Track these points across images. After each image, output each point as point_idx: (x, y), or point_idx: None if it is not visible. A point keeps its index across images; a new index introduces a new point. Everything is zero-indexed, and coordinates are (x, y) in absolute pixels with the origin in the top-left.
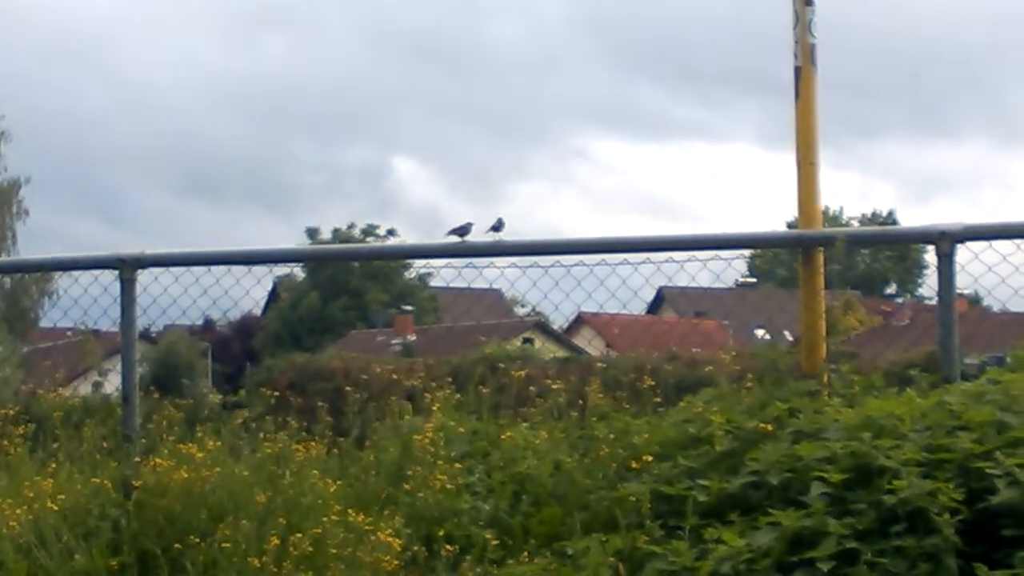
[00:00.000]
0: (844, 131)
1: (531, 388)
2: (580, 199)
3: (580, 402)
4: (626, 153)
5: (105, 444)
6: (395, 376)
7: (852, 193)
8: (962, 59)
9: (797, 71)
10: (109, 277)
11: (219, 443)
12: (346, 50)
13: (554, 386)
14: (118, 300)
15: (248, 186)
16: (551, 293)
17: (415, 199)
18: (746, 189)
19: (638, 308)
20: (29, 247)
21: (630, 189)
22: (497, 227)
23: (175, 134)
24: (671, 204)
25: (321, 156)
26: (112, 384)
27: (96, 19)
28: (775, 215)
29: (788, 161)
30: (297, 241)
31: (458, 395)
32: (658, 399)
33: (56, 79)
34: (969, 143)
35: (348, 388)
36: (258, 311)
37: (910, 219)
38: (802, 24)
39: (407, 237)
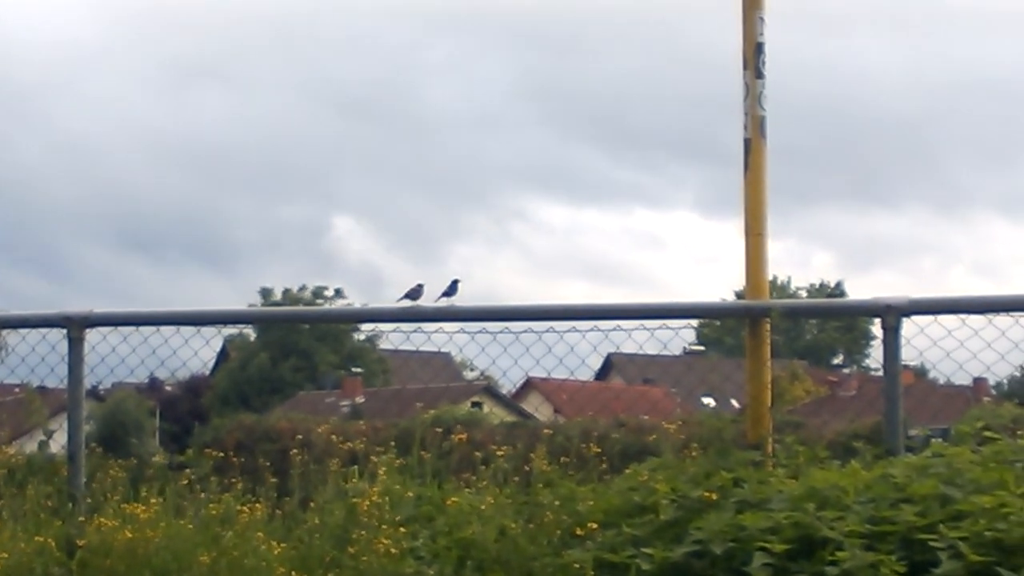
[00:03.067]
0: (783, 198)
1: (477, 453)
2: (519, 261)
3: (527, 467)
4: (566, 216)
5: (50, 503)
6: (341, 438)
7: (791, 261)
8: (901, 128)
9: (747, 143)
10: (57, 335)
11: (164, 503)
12: (283, 106)
13: (499, 452)
14: (66, 358)
15: (187, 242)
16: (499, 359)
17: (355, 257)
18: (687, 256)
19: (586, 375)
20: None
21: (570, 252)
22: (449, 292)
23: (112, 188)
24: (611, 268)
25: (259, 213)
26: (58, 443)
27: (30, 71)
28: (717, 283)
29: (729, 229)
30: (249, 301)
31: (404, 459)
32: (604, 466)
33: None
34: (908, 212)
35: (294, 450)
36: (207, 371)
37: (853, 288)
38: (752, 96)
39: (350, 296)
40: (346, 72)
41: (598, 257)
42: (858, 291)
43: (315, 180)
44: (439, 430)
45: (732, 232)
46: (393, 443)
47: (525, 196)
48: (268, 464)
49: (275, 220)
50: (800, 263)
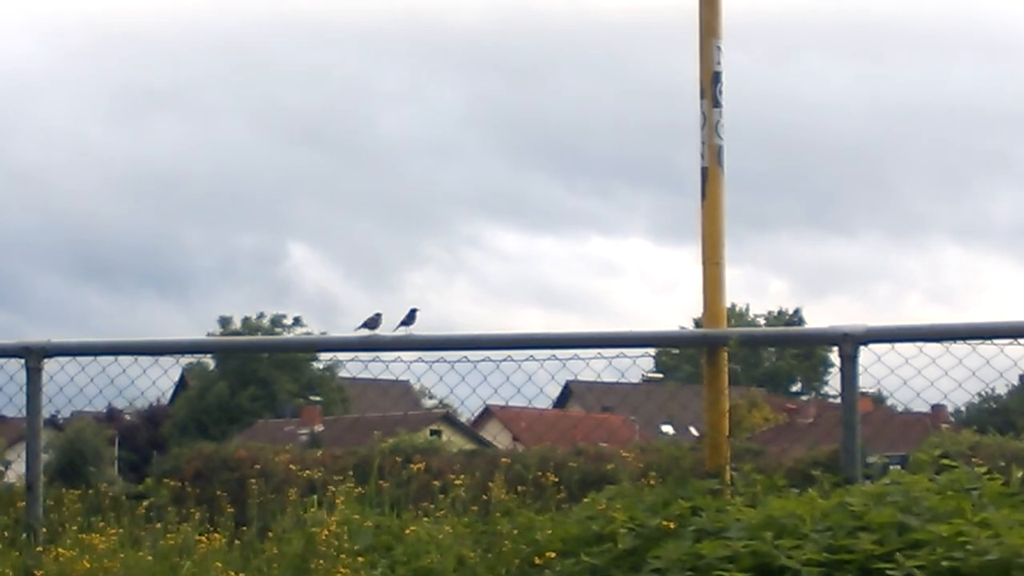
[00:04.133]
0: (737, 224)
1: (436, 482)
2: (473, 288)
3: (485, 496)
4: (520, 243)
5: (7, 533)
6: (299, 467)
7: (747, 288)
8: (856, 153)
9: (704, 171)
10: (15, 365)
11: (122, 533)
12: (236, 134)
13: (456, 480)
14: (24, 388)
15: (141, 270)
16: (457, 387)
17: (310, 285)
18: (641, 283)
19: (544, 403)
20: None
21: (524, 279)
22: (407, 321)
23: (66, 217)
24: (566, 296)
25: (213, 240)
26: (16, 472)
27: None
28: (672, 310)
29: (683, 256)
30: (207, 329)
31: (362, 488)
32: (562, 495)
33: None
34: (863, 239)
35: (252, 480)
36: (165, 400)
37: (808, 315)
38: (709, 125)
39: (308, 324)
40: (300, 100)
41: (552, 284)
42: (814, 318)
43: (270, 208)
44: (398, 459)
45: (686, 259)
46: (352, 472)
47: (479, 223)
48: (226, 493)
49: (230, 248)
50: (756, 290)
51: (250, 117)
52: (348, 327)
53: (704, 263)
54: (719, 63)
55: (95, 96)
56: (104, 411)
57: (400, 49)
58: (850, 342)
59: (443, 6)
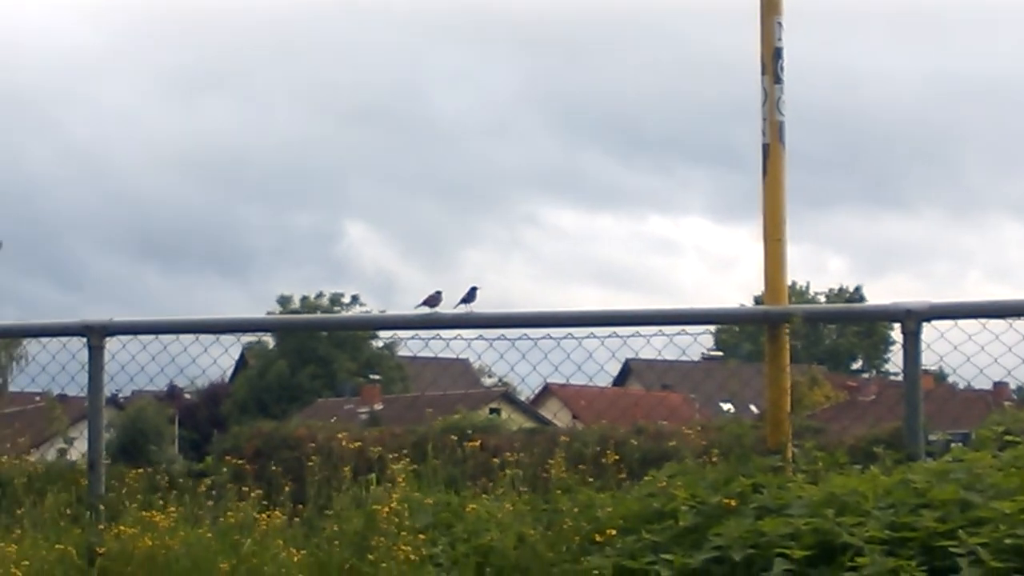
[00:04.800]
0: (795, 202)
1: (495, 459)
2: (530, 266)
3: (544, 475)
4: (577, 221)
5: (69, 511)
6: (359, 445)
7: (806, 266)
8: (915, 131)
9: (765, 148)
10: (77, 344)
11: (182, 511)
12: (290, 113)
13: (511, 458)
14: (86, 367)
15: (199, 250)
16: (518, 365)
17: (368, 263)
18: (699, 260)
19: (604, 381)
20: None
21: (581, 257)
22: (468, 299)
23: (123, 196)
24: (624, 273)
25: (270, 219)
26: (78, 450)
27: (40, 79)
28: (730, 287)
29: (741, 234)
30: (267, 308)
31: (422, 465)
32: (622, 475)
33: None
34: (922, 216)
35: (312, 457)
36: (226, 379)
37: (868, 293)
38: (771, 102)
39: (366, 302)
40: (355, 79)
41: (610, 262)
42: (874, 296)
43: (326, 187)
44: (454, 437)
45: (744, 237)
46: (410, 450)
47: (536, 201)
48: (286, 471)
49: (287, 227)
50: (815, 268)
51: (305, 96)
52: (406, 305)
53: (765, 240)
54: (780, 39)
55: (151, 76)
56: (165, 390)
57: (457, 27)
58: (913, 319)
59: None
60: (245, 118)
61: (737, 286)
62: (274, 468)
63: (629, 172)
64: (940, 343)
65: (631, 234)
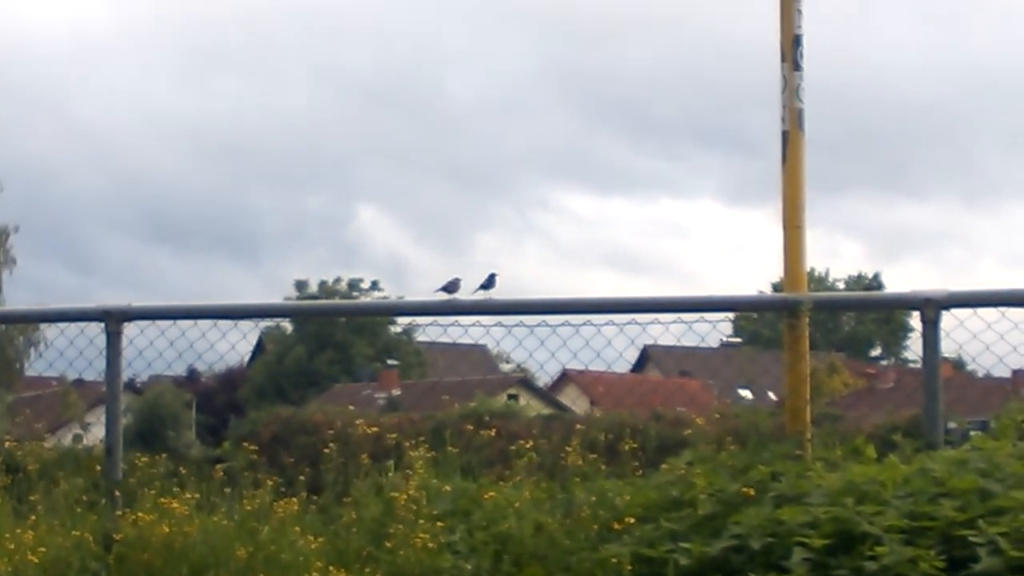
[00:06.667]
0: (808, 187)
1: (512, 447)
2: (543, 250)
3: (563, 461)
4: (590, 205)
5: (86, 497)
6: (376, 431)
7: (820, 251)
8: (928, 116)
9: (784, 135)
10: (95, 329)
11: (199, 497)
12: (300, 95)
13: (527, 444)
14: (104, 352)
15: (211, 232)
16: (536, 352)
17: (380, 247)
18: (712, 245)
19: (623, 367)
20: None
21: (594, 241)
22: (487, 285)
23: (135, 178)
24: (637, 258)
25: (281, 202)
26: (95, 436)
27: (49, 61)
28: (744, 273)
29: (754, 218)
30: (281, 292)
31: (440, 452)
32: (637, 463)
33: (9, 124)
34: (935, 202)
35: (330, 444)
36: (244, 364)
37: (886, 279)
38: (790, 89)
39: (384, 288)
40: (366, 60)
41: (623, 246)
42: (887, 282)
43: (337, 169)
44: (470, 426)
45: (757, 221)
46: (428, 436)
47: (549, 185)
48: (303, 458)
49: (298, 210)
50: (828, 253)
51: (317, 77)
52: (419, 289)
53: (785, 227)
54: (800, 26)
55: (161, 57)
56: (184, 374)
57: (468, 9)
58: (932, 307)
59: None
60: (254, 99)
61: (749, 271)
62: (289, 459)
63: (641, 156)
64: (959, 331)
65: (643, 218)
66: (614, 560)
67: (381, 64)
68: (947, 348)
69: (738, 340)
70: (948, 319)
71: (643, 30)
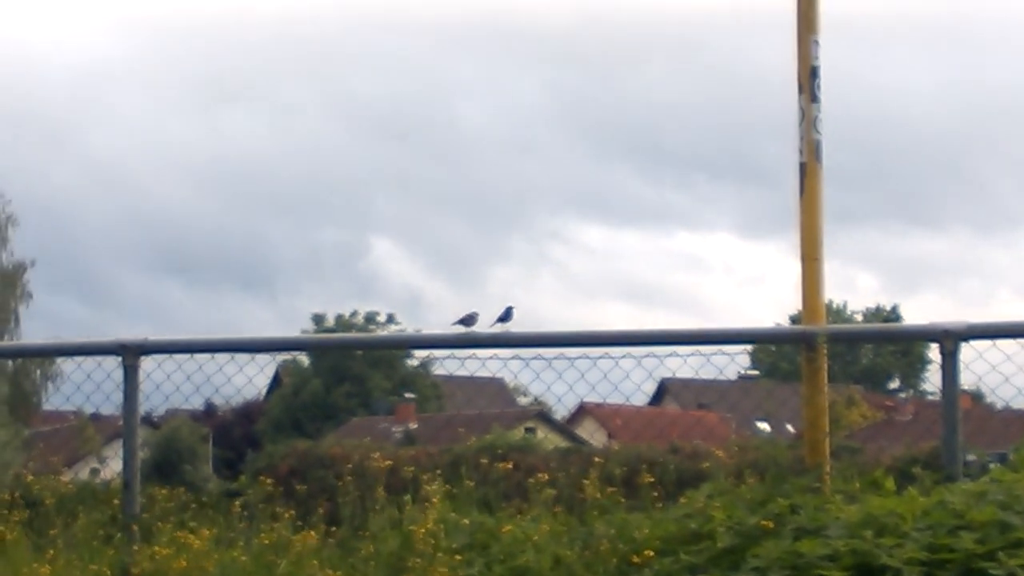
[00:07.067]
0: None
1: (531, 480)
2: (558, 282)
3: (581, 494)
4: (603, 237)
5: (103, 531)
6: (392, 463)
7: (835, 283)
8: (942, 146)
9: (802, 167)
10: (112, 362)
11: (217, 531)
12: (313, 127)
13: (543, 477)
14: (121, 386)
15: (224, 265)
16: (554, 384)
17: (395, 279)
18: (727, 277)
19: (641, 400)
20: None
21: (609, 274)
22: (504, 318)
23: (147, 211)
24: (651, 290)
25: (295, 235)
26: (113, 469)
27: (60, 93)
28: (759, 305)
29: (768, 250)
30: (296, 325)
31: (457, 485)
32: (656, 494)
33: (23, 158)
34: (950, 232)
35: (348, 477)
36: (260, 397)
37: (904, 311)
38: (807, 120)
39: (401, 322)
40: (379, 92)
41: (638, 279)
42: (905, 314)
43: (351, 202)
44: (484, 460)
45: (772, 253)
46: (445, 469)
47: (563, 218)
48: (321, 491)
49: (312, 242)
50: (844, 285)
51: (328, 110)
52: (434, 322)
53: (803, 259)
54: (817, 58)
55: (173, 89)
56: (202, 408)
57: (481, 41)
58: (951, 339)
59: None
60: (267, 131)
61: (765, 303)
62: (303, 488)
63: (655, 188)
64: (978, 363)
65: (658, 250)
66: None
67: (393, 96)
68: (966, 380)
69: (756, 373)
70: (967, 351)
71: (658, 62)
